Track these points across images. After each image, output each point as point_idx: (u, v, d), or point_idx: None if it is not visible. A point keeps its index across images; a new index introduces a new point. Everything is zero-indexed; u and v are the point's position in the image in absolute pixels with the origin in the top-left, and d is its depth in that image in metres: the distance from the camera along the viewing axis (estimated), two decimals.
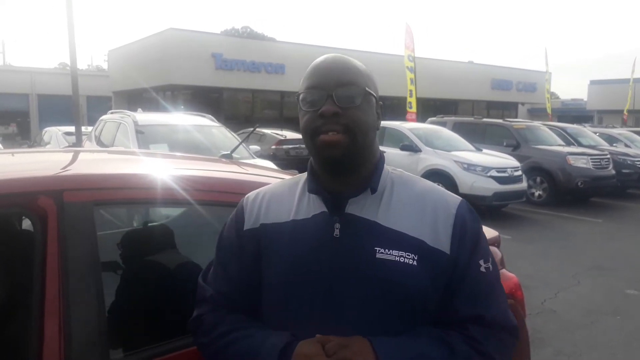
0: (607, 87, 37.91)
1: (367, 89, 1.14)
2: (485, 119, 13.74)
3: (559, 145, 11.87)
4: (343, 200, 1.15)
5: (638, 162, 12.61)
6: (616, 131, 15.96)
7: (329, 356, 1.03)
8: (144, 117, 7.62)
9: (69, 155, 2.16)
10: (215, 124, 8.06)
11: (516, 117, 27.17)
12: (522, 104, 36.68)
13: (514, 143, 11.39)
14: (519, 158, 10.43)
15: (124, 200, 1.63)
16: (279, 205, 1.23)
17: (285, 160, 13.69)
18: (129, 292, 1.79)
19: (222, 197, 1.71)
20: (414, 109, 15.98)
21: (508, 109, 34.77)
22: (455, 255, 1.12)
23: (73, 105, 9.83)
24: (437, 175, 9.30)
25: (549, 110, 26.53)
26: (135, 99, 26.38)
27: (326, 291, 1.11)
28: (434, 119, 13.58)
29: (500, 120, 13.10)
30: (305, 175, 1.26)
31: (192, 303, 1.76)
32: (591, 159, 11.05)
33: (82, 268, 1.34)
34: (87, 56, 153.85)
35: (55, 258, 1.31)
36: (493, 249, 1.96)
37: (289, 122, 23.67)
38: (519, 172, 9.76)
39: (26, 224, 2.07)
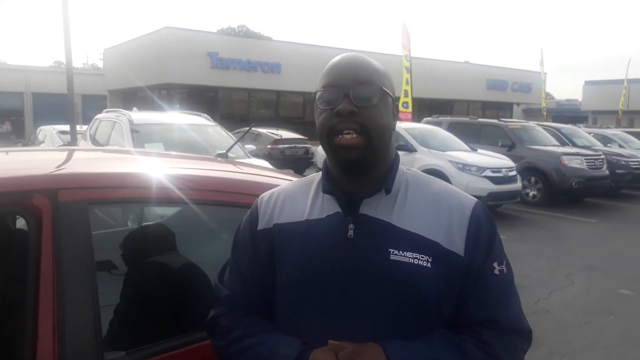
0: (601, 88, 38.08)
1: (383, 88, 1.13)
2: (480, 119, 13.77)
3: (554, 145, 11.91)
4: (357, 201, 1.14)
5: (632, 163, 12.67)
6: (610, 132, 16.02)
7: None
8: (139, 116, 7.59)
9: (64, 154, 2.15)
10: (211, 123, 8.05)
11: (511, 118, 27.26)
12: (518, 104, 36.82)
13: (508, 143, 11.42)
14: (513, 158, 10.45)
15: (118, 200, 1.63)
16: (292, 205, 1.23)
17: (281, 159, 13.70)
18: (124, 292, 1.79)
19: (217, 197, 1.71)
20: (409, 109, 16.01)
21: (503, 109, 34.89)
22: (470, 258, 1.11)
23: (68, 104, 9.80)
24: (432, 175, 9.27)
25: (544, 111, 26.64)
26: (131, 97, 26.32)
27: (340, 292, 1.10)
28: (429, 119, 13.61)
29: (495, 121, 13.13)
30: (318, 175, 1.26)
31: (188, 302, 1.76)
32: (585, 159, 11.09)
33: (76, 267, 1.33)
34: (83, 54, 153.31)
35: (50, 257, 1.31)
36: None
37: (285, 122, 23.69)
38: (514, 172, 9.79)
39: (20, 223, 2.06)
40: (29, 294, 1.29)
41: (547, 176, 10.84)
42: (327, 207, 1.17)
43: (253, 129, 14.07)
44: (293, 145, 14.61)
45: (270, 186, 1.91)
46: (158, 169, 1.76)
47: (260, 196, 1.30)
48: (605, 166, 11.53)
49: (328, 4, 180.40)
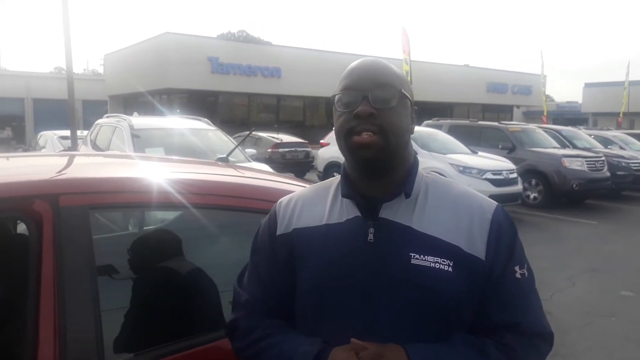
0: (601, 90, 38.11)
1: (403, 91, 1.13)
2: (480, 122, 13.76)
3: (554, 147, 11.90)
4: (377, 205, 1.13)
5: (632, 164, 12.66)
6: (611, 133, 16.00)
7: None
8: (139, 121, 7.60)
9: (65, 159, 2.15)
10: (211, 127, 8.05)
11: (511, 120, 27.26)
12: (518, 106, 36.81)
13: (509, 146, 11.42)
14: (514, 160, 10.44)
15: (119, 204, 1.63)
16: (311, 209, 1.22)
17: (281, 163, 13.72)
18: (125, 297, 1.79)
19: (218, 201, 1.71)
20: None
21: (503, 111, 34.90)
22: (491, 262, 1.11)
23: (69, 109, 9.82)
24: None
25: (544, 113, 26.64)
26: (131, 102, 26.36)
27: (360, 296, 1.10)
28: (429, 121, 13.60)
29: (495, 123, 13.13)
30: (336, 179, 1.25)
31: (190, 306, 1.76)
32: (586, 161, 11.08)
33: (77, 272, 1.33)
34: (83, 60, 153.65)
35: (51, 262, 1.31)
36: None
37: (285, 126, 23.71)
38: (515, 175, 9.78)
39: (21, 228, 2.07)
40: (29, 299, 1.29)
41: (547, 178, 10.83)
42: (347, 211, 1.17)
43: (253, 133, 14.10)
44: (293, 149, 14.62)
45: (271, 190, 1.92)
46: (159, 174, 1.76)
47: (279, 201, 1.30)
48: (606, 168, 11.52)
49: (327, 8, 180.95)
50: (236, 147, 6.83)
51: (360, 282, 1.10)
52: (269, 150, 14.11)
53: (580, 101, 42.17)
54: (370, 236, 1.11)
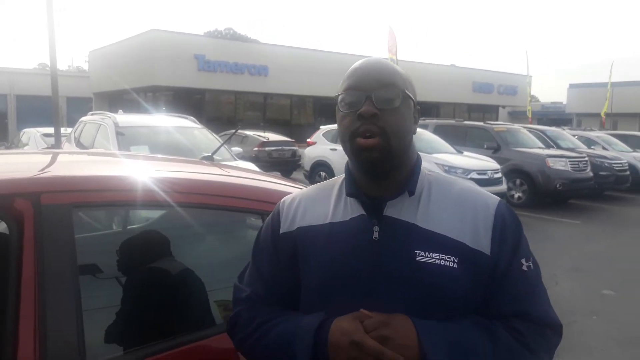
0: (585, 91, 38.61)
1: (406, 91, 1.13)
2: (466, 122, 13.85)
3: (539, 147, 12.03)
4: (381, 204, 1.14)
5: (615, 165, 12.84)
6: (594, 134, 16.21)
7: (368, 332, 1.02)
8: (124, 118, 7.54)
9: (47, 157, 2.13)
10: (197, 125, 8.02)
11: (497, 120, 27.51)
12: (503, 106, 37.15)
13: (494, 145, 11.51)
14: (499, 160, 10.53)
15: (103, 203, 1.62)
16: (315, 208, 1.23)
17: (268, 162, 13.69)
18: (108, 296, 1.78)
19: (203, 200, 1.70)
20: None
21: (489, 111, 35.19)
22: (496, 257, 1.11)
23: (52, 107, 9.72)
24: None
25: (529, 114, 26.90)
26: (116, 100, 26.12)
27: (365, 294, 1.10)
28: None
29: (481, 123, 13.22)
30: (339, 179, 1.26)
31: (173, 306, 1.75)
32: (570, 161, 11.21)
33: (59, 272, 1.32)
34: (68, 57, 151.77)
35: (32, 261, 1.30)
36: None
37: (272, 124, 23.67)
38: (499, 175, 9.88)
39: (1, 226, 2.04)
40: (9, 298, 1.27)
41: (532, 178, 10.94)
42: (351, 209, 1.17)
43: (240, 131, 14.05)
44: (280, 147, 14.59)
45: (256, 189, 1.92)
46: (143, 172, 1.75)
47: (282, 200, 1.30)
48: (589, 168, 11.67)
49: (314, 7, 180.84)
50: (222, 145, 6.80)
51: (365, 280, 1.11)
52: (256, 148, 14.06)
53: (564, 102, 42.68)
54: (375, 234, 1.12)
